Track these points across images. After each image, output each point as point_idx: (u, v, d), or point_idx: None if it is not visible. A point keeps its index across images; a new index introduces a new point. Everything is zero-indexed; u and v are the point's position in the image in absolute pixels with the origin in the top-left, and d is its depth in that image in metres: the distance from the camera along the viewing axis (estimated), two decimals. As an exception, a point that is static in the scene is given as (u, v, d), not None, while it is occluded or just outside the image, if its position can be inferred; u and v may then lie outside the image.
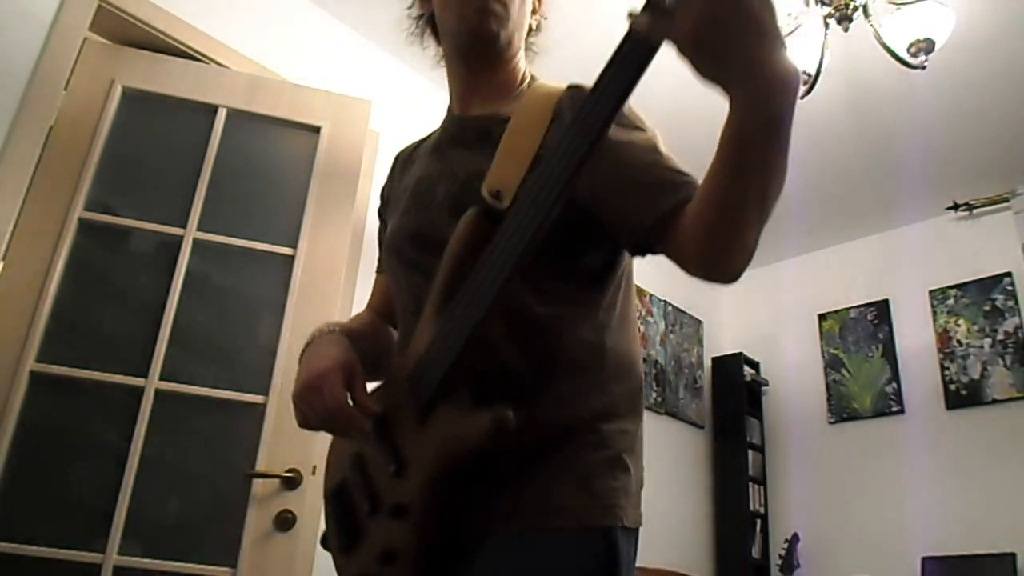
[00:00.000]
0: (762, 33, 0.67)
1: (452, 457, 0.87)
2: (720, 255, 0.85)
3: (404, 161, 1.24)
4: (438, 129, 1.19)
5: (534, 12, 1.16)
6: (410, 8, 1.20)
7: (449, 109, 1.18)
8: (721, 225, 0.82)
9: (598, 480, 0.90)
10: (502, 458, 0.87)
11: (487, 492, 0.89)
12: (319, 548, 1.11)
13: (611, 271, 1.01)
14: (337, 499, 1.05)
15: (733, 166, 0.78)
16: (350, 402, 0.96)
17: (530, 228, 0.80)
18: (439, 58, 1.19)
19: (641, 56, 0.70)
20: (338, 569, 1.04)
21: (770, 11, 0.67)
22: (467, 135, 1.08)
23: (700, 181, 0.86)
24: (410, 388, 0.94)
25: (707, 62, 0.70)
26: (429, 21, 1.17)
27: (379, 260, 1.27)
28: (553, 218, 0.80)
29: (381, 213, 1.28)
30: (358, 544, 0.98)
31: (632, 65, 0.72)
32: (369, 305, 1.28)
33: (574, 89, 1.01)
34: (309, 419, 0.98)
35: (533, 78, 1.15)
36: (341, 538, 1.02)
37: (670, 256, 0.91)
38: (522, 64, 1.15)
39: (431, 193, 1.05)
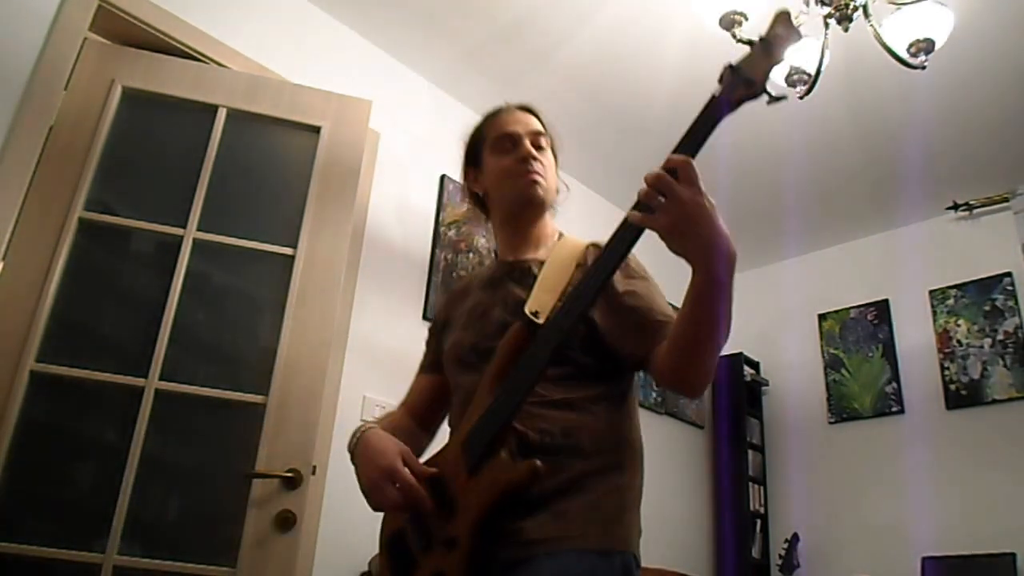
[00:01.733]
0: (712, 225, 1.03)
1: (497, 496, 1.11)
2: (685, 381, 1.19)
3: (460, 293, 1.55)
4: (487, 269, 1.55)
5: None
6: (464, 185, 1.57)
7: (497, 256, 1.54)
8: (684, 363, 1.16)
9: (616, 519, 1.20)
10: (538, 500, 1.13)
11: (527, 528, 1.14)
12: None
13: (618, 373, 1.31)
14: (394, 544, 1.27)
15: (691, 320, 1.10)
16: (412, 479, 1.20)
17: (556, 339, 1.15)
18: (486, 222, 1.58)
19: (633, 234, 1.08)
20: None
21: (715, 211, 1.03)
22: (514, 274, 1.41)
23: None
24: (464, 451, 1.19)
25: (676, 242, 1.04)
26: (481, 199, 1.54)
27: (422, 363, 1.56)
28: (571, 333, 1.17)
29: (434, 330, 1.56)
30: (412, 574, 1.20)
31: (627, 239, 1.09)
32: (405, 403, 1.54)
33: (594, 247, 1.35)
34: (384, 504, 1.22)
35: (561, 234, 1.49)
36: (397, 572, 1.25)
37: (651, 376, 1.26)
38: (552, 223, 1.51)
39: (487, 315, 1.37)
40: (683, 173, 1.02)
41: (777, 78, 2.60)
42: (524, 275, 1.38)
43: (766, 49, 1.05)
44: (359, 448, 1.29)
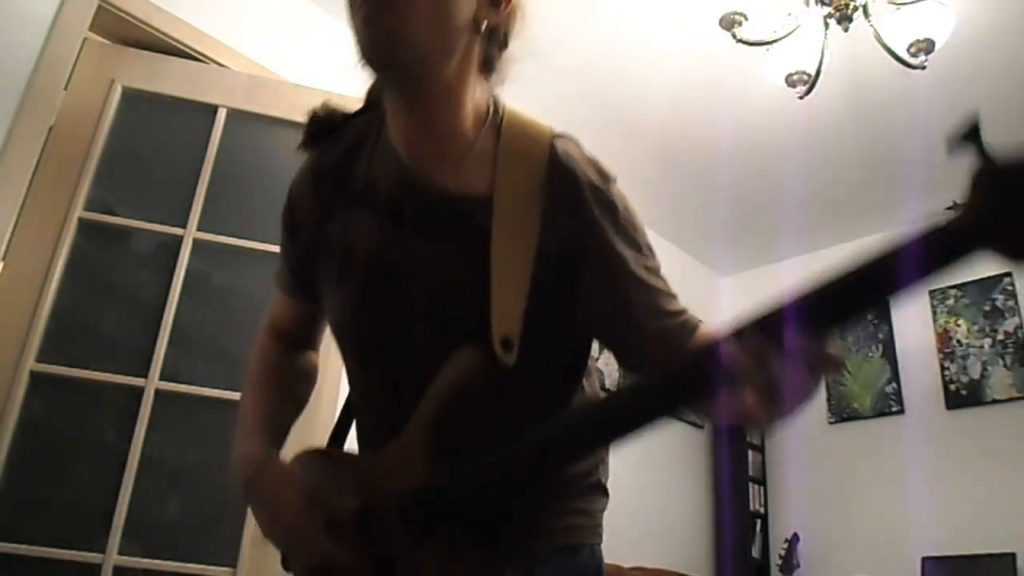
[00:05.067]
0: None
1: None
2: None
3: (322, 179, 1.03)
4: (381, 170, 0.93)
5: (482, 20, 0.89)
6: None
7: (393, 150, 0.92)
8: None
9: (593, 515, 0.98)
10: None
11: (497, 527, 0.88)
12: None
13: (580, 370, 1.00)
14: None
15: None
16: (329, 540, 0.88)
17: (566, 444, 0.81)
18: None
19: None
20: None
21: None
22: (437, 217, 0.89)
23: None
24: (404, 508, 0.86)
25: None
26: None
27: (281, 274, 1.11)
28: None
29: (288, 229, 1.08)
30: None
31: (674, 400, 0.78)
32: (274, 327, 1.15)
33: (560, 140, 0.91)
34: (300, 568, 0.93)
35: (496, 110, 0.93)
36: None
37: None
38: (477, 94, 0.91)
39: (402, 289, 0.90)
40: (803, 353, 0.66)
41: (777, 79, 2.60)
42: (457, 225, 0.88)
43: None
44: (250, 495, 1.04)
